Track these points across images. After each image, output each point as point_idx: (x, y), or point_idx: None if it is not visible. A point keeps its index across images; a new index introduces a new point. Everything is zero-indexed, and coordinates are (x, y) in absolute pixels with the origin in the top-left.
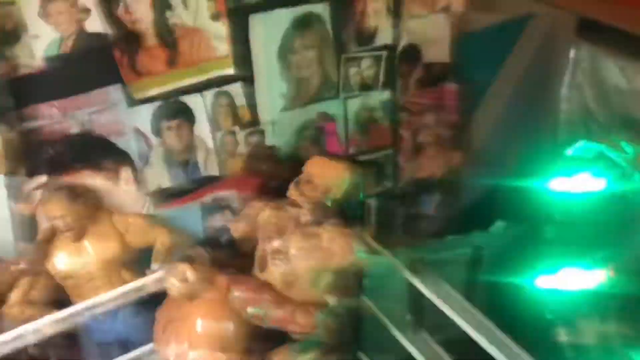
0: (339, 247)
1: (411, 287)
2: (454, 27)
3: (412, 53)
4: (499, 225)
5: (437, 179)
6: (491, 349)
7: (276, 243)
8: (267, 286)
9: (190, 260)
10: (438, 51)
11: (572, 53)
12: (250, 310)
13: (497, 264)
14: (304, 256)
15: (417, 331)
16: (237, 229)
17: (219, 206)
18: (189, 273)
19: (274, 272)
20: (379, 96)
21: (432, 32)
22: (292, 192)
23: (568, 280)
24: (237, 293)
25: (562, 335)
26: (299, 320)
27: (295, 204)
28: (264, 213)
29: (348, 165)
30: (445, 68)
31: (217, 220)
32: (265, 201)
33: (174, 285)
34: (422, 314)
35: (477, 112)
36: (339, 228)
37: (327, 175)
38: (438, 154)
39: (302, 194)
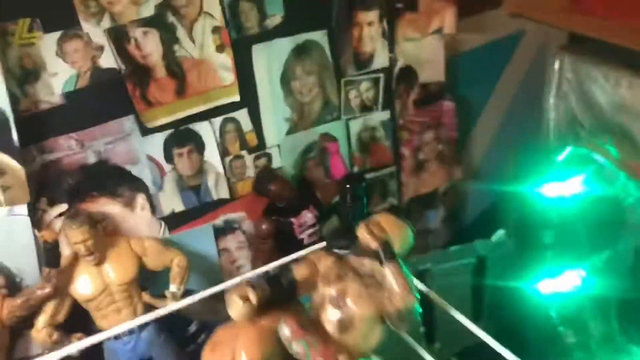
0: (397, 290)
1: (422, 298)
2: (447, 48)
3: (408, 74)
4: (500, 233)
5: (439, 193)
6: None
7: (334, 289)
8: (316, 325)
9: (251, 286)
10: (433, 71)
11: (556, 64)
12: (295, 343)
13: (500, 271)
14: (360, 304)
15: (430, 342)
16: (299, 271)
17: (230, 227)
18: (251, 294)
19: (330, 317)
20: (379, 116)
21: (426, 54)
22: (361, 231)
23: (569, 282)
24: (285, 325)
25: (568, 337)
26: None
27: (359, 255)
28: (326, 260)
29: (412, 228)
30: (441, 87)
31: (229, 241)
32: (329, 252)
33: (236, 304)
34: (434, 325)
35: (475, 127)
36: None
37: (394, 232)
38: (439, 169)
39: (370, 233)
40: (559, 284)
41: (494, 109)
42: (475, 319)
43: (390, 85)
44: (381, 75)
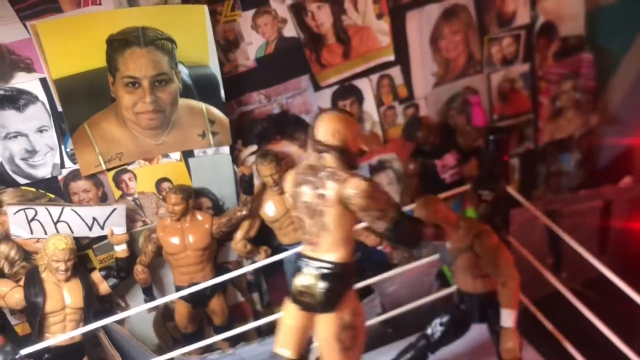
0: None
1: (551, 233)
2: (587, 3)
3: (549, 29)
4: (626, 180)
5: (575, 138)
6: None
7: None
8: None
9: None
10: (573, 26)
11: None
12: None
13: (626, 215)
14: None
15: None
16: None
17: (382, 166)
18: None
19: None
20: (519, 69)
21: (567, 10)
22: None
23: None
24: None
25: None
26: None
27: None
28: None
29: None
30: (581, 40)
31: (381, 177)
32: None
33: None
34: (561, 256)
35: (614, 76)
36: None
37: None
38: (575, 116)
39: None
40: None
41: (633, 59)
42: (600, 254)
43: (530, 40)
44: (522, 31)
